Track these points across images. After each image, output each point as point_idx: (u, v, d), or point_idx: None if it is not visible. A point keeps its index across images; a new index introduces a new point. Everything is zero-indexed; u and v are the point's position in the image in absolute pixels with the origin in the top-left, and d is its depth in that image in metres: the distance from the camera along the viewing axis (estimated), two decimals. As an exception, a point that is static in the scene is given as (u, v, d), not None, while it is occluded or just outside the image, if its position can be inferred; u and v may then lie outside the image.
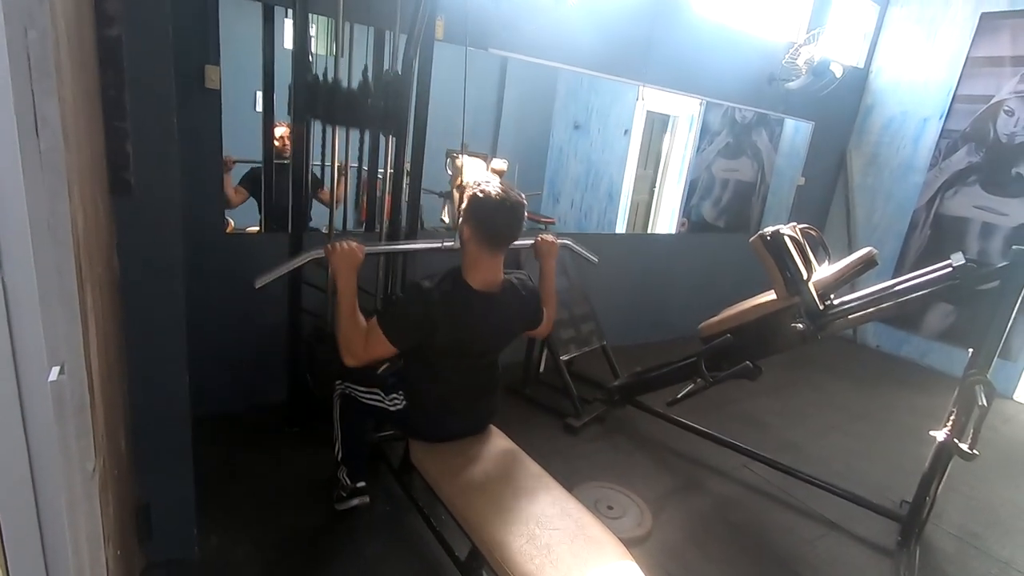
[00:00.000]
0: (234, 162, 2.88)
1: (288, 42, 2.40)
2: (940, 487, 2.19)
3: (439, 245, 1.92)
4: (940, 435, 2.08)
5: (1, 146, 0.61)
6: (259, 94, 2.70)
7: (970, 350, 2.05)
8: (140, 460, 1.54)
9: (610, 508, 2.25)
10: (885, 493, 2.55)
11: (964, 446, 1.97)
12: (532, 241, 1.96)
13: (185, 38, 2.11)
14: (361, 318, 1.62)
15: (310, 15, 2.20)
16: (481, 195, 1.54)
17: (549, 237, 1.96)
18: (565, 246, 2.14)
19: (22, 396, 0.75)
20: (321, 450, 2.36)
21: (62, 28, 0.77)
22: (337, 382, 1.93)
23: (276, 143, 2.78)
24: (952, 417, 2.05)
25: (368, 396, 1.84)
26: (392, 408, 1.80)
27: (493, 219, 1.55)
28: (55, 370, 0.74)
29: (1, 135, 0.61)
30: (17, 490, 0.76)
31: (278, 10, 2.41)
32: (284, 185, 2.42)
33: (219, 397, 2.54)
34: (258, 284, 1.68)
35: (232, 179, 2.96)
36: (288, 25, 2.46)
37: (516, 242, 1.64)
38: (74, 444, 0.79)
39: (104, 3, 1.22)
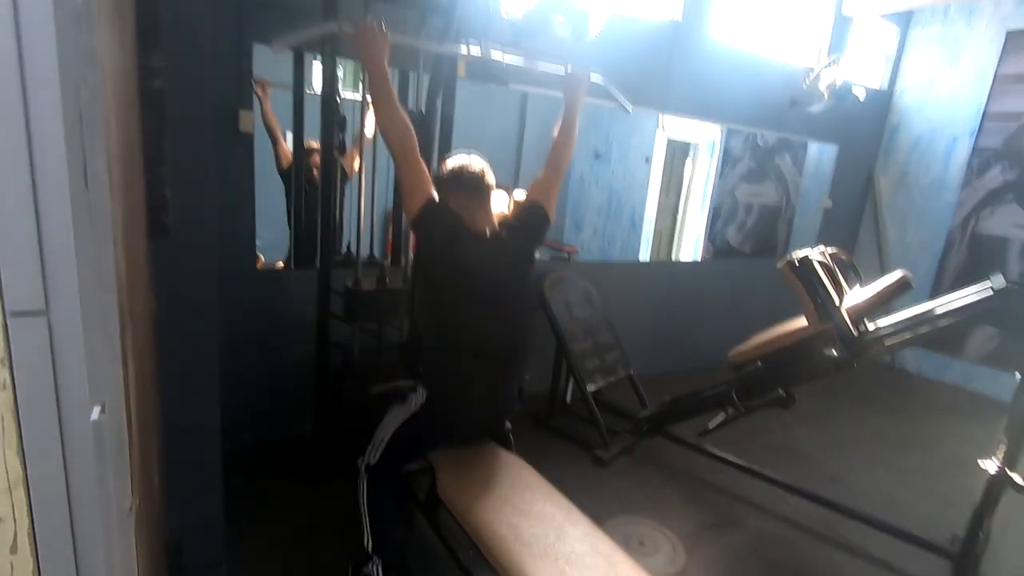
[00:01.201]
0: (269, 85, 2.81)
1: (317, 83, 2.49)
2: (993, 522, 2.07)
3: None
4: (991, 466, 1.98)
5: (54, 199, 0.65)
6: (289, 134, 2.82)
7: (1017, 375, 1.96)
8: (172, 496, 1.57)
9: (641, 544, 2.18)
10: (934, 528, 2.42)
11: (1017, 478, 1.87)
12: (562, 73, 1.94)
13: (220, 84, 2.22)
14: (405, 116, 1.62)
15: (338, 59, 2.29)
16: (447, 168, 1.71)
17: (580, 72, 1.89)
18: (601, 84, 2.06)
19: (63, 435, 0.77)
20: (349, 484, 2.36)
21: (110, 86, 0.82)
22: (358, 461, 1.78)
23: (313, 169, 2.83)
24: (1003, 447, 1.95)
25: (389, 424, 1.76)
26: (414, 408, 1.72)
27: (464, 174, 1.67)
28: (96, 409, 0.76)
29: (54, 189, 0.65)
30: (56, 528, 0.78)
31: (307, 55, 2.52)
32: (313, 212, 2.47)
33: (248, 430, 2.57)
34: (274, 47, 1.66)
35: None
36: (317, 68, 2.57)
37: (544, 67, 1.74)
38: (112, 483, 0.80)
39: (149, 59, 1.29)
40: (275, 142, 2.90)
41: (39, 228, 0.67)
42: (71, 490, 0.79)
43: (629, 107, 2.14)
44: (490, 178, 1.70)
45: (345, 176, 2.99)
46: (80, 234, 0.67)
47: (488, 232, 1.69)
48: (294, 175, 2.82)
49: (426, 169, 1.65)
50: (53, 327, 0.72)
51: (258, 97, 2.43)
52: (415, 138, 1.63)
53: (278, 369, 2.64)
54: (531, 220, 1.81)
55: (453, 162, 1.71)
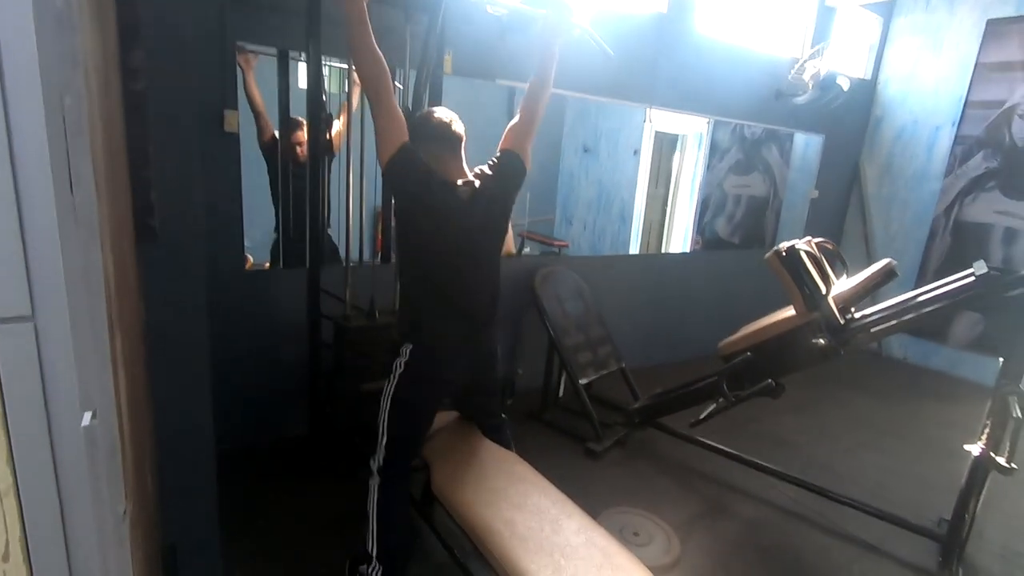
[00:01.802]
0: (256, 56, 2.69)
1: (303, 82, 2.48)
2: (979, 504, 2.11)
3: None
4: (975, 449, 2.02)
5: (39, 204, 0.65)
6: (276, 133, 2.79)
7: (1001, 359, 2.00)
8: (166, 500, 1.56)
9: (636, 535, 2.20)
10: (922, 511, 2.46)
11: (1001, 460, 1.91)
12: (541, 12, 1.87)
13: (205, 84, 2.19)
14: (381, 56, 1.61)
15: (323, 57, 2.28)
16: (416, 118, 1.73)
17: (556, 15, 1.83)
18: (582, 29, 1.98)
19: (53, 442, 0.77)
20: (344, 483, 2.36)
21: (94, 88, 0.82)
22: (370, 463, 1.75)
23: (296, 147, 2.79)
24: (987, 430, 1.99)
25: (383, 406, 1.74)
26: (400, 370, 1.70)
27: (431, 123, 1.68)
28: (87, 415, 0.76)
29: (39, 193, 0.64)
30: (49, 536, 0.78)
31: (292, 52, 2.50)
32: (301, 195, 2.42)
33: (241, 432, 2.57)
34: None
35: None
36: (303, 67, 2.55)
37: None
38: (105, 488, 0.80)
39: (130, 58, 1.28)
40: (257, 115, 2.78)
41: (23, 232, 0.67)
42: (63, 497, 0.79)
43: (611, 51, 2.14)
44: (458, 127, 1.69)
45: (332, 152, 2.92)
46: (66, 238, 0.66)
47: (461, 181, 1.68)
48: (280, 165, 2.78)
49: (400, 115, 1.63)
50: (40, 332, 0.72)
51: (240, 68, 2.38)
52: (390, 79, 1.62)
53: (270, 370, 2.63)
54: (506, 168, 1.76)
55: (421, 114, 1.74)
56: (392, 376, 1.72)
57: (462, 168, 1.72)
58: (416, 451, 1.87)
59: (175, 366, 1.46)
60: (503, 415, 2.01)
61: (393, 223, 2.37)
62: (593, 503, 2.26)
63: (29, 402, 0.74)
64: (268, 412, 2.67)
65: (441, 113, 1.71)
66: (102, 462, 0.79)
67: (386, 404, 1.73)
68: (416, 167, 1.63)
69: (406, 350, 1.71)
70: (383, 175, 1.64)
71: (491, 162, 1.78)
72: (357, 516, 2.01)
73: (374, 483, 1.75)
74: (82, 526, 0.79)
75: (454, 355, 1.75)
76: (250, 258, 2.96)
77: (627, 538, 2.17)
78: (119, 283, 0.99)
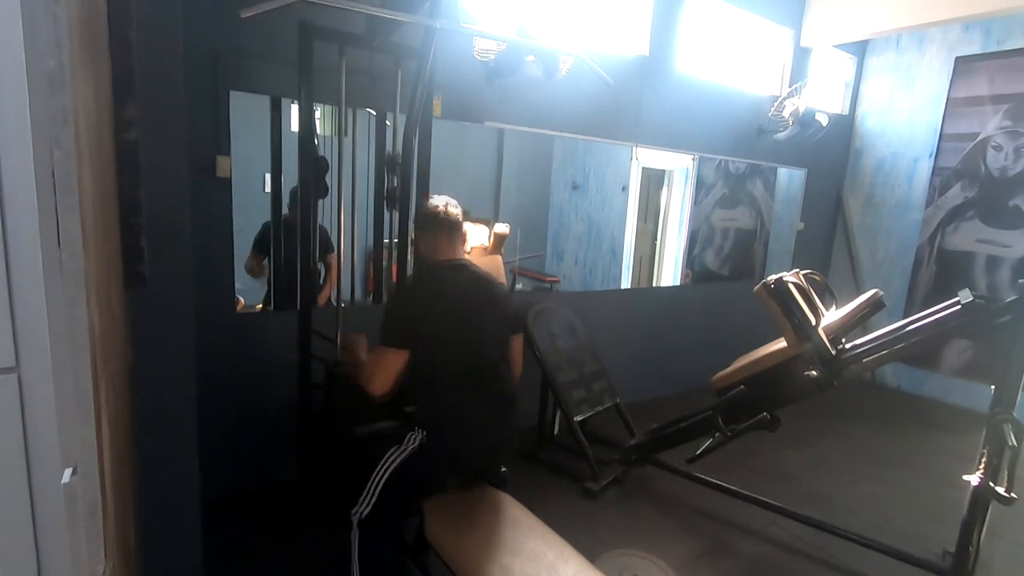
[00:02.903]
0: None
1: (295, 126, 2.52)
2: (983, 535, 2.08)
3: None
4: (974, 479, 2.00)
5: (25, 258, 0.65)
6: (267, 176, 2.82)
7: (993, 387, 2.00)
8: (150, 554, 1.51)
9: (637, 577, 2.14)
10: (925, 544, 2.42)
11: (1000, 490, 1.89)
12: None
13: (197, 131, 2.23)
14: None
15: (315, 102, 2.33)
16: (421, 212, 1.91)
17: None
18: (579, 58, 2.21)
19: (34, 498, 0.75)
20: (335, 530, 2.29)
21: (84, 141, 0.83)
22: (351, 514, 1.72)
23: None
24: (984, 459, 1.97)
25: (383, 470, 1.70)
26: (412, 447, 1.69)
27: (436, 215, 1.83)
28: (68, 472, 0.74)
29: (26, 248, 0.65)
30: (25, 599, 0.75)
31: (285, 98, 2.55)
32: (293, 253, 2.45)
33: (229, 479, 2.50)
34: (244, 14, 1.67)
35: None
36: (295, 112, 2.60)
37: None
38: (84, 548, 0.78)
39: (123, 110, 1.30)
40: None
41: (9, 286, 0.67)
42: (41, 556, 0.76)
43: (609, 78, 2.24)
44: (452, 211, 1.83)
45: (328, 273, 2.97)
46: (51, 293, 0.66)
47: (460, 260, 1.80)
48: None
49: (380, 350, 1.71)
50: (24, 385, 0.71)
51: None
52: (374, 360, 1.73)
53: (259, 414, 2.58)
54: (508, 302, 1.87)
55: (426, 205, 1.90)
56: (402, 449, 1.70)
57: (457, 248, 1.84)
58: (405, 514, 1.84)
59: (162, 414, 1.44)
60: (503, 467, 1.98)
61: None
62: (592, 545, 2.20)
63: (10, 456, 0.73)
64: (257, 457, 2.61)
65: (436, 200, 1.86)
66: (82, 520, 0.76)
67: (388, 471, 1.70)
68: (410, 312, 1.70)
69: (421, 433, 1.70)
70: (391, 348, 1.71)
71: (501, 287, 1.89)
72: (349, 566, 1.95)
73: (355, 537, 1.70)
74: (59, 588, 0.76)
75: (472, 440, 1.74)
76: (241, 300, 2.95)
77: (627, 581, 2.11)
78: (105, 334, 0.98)
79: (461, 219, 1.86)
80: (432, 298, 1.71)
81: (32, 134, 0.62)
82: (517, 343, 1.93)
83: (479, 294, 1.77)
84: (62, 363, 0.70)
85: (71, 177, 0.67)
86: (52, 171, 0.65)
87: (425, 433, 1.70)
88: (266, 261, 2.88)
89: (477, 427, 1.72)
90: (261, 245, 2.92)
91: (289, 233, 2.66)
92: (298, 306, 2.38)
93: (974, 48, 4.18)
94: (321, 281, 2.93)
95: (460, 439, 1.71)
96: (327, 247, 2.85)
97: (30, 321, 0.68)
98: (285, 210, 2.74)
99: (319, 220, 2.55)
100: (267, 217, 2.78)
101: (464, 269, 1.80)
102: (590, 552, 1.68)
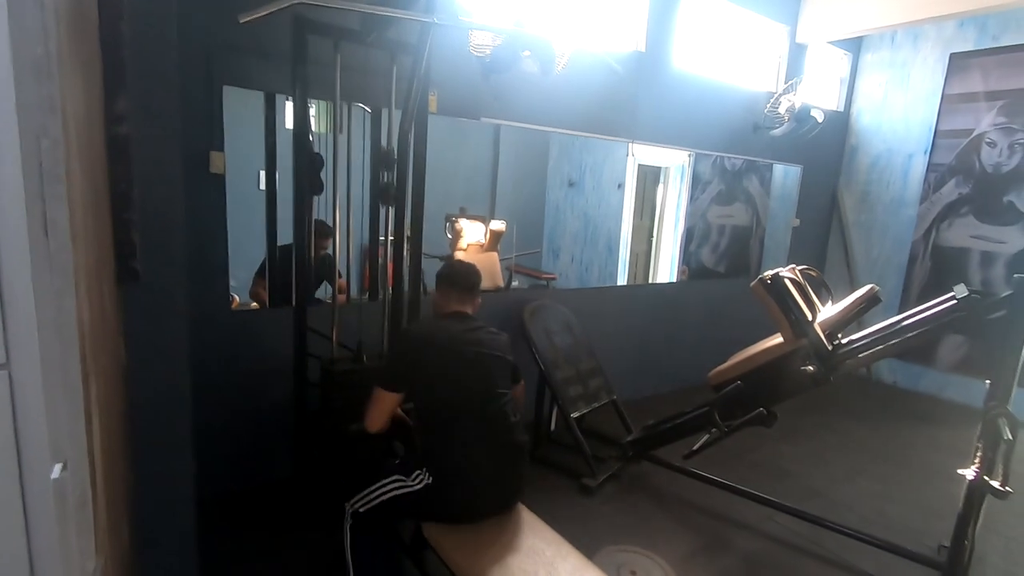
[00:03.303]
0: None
1: (289, 122, 2.51)
2: (978, 529, 2.09)
3: None
4: (969, 473, 2.00)
5: (12, 249, 0.64)
6: (262, 173, 2.81)
7: (987, 382, 2.01)
8: (143, 552, 1.49)
9: (633, 573, 2.14)
10: (921, 538, 2.43)
11: (996, 484, 1.90)
12: None
13: (191, 126, 2.21)
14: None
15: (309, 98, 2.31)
16: (446, 266, 1.98)
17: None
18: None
19: (24, 494, 0.74)
20: (330, 528, 2.28)
21: (73, 133, 0.82)
22: (346, 505, 1.76)
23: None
24: (979, 453, 1.98)
25: (387, 490, 1.71)
26: (417, 486, 1.68)
27: (453, 271, 1.93)
28: (57, 467, 0.73)
29: (12, 239, 0.63)
30: (16, 596, 0.74)
31: (279, 94, 2.53)
32: (291, 263, 2.44)
33: (223, 476, 2.49)
34: (242, 19, 1.70)
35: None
36: (289, 108, 2.58)
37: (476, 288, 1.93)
38: (74, 543, 0.76)
39: (114, 103, 1.29)
40: None
41: (-2, 280, 0.65)
42: (32, 553, 0.75)
43: (619, 68, 2.24)
44: (472, 277, 1.92)
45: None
46: (40, 285, 0.65)
47: (467, 313, 1.88)
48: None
49: (377, 391, 1.76)
50: (14, 380, 0.70)
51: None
52: (372, 401, 1.77)
53: (254, 412, 2.57)
54: (509, 352, 1.88)
55: (450, 263, 2.01)
56: (406, 483, 1.70)
57: (466, 305, 1.90)
58: (400, 524, 1.88)
59: (155, 411, 1.43)
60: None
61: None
62: (589, 542, 2.20)
63: (1, 453, 0.71)
64: (251, 455, 2.60)
65: (466, 266, 1.95)
66: (72, 516, 0.75)
67: (388, 493, 1.70)
68: (410, 359, 1.75)
69: (427, 476, 1.69)
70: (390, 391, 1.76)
71: (502, 337, 1.90)
72: (343, 562, 1.94)
73: (347, 526, 1.73)
74: (50, 585, 0.75)
75: (478, 494, 1.72)
76: (236, 297, 2.93)
77: (624, 577, 2.11)
78: (95, 328, 0.97)
79: (479, 286, 1.94)
80: (433, 344, 1.75)
81: (18, 122, 0.61)
82: (517, 392, 1.97)
83: (480, 343, 1.79)
84: (51, 356, 0.69)
85: (59, 167, 0.65)
86: (40, 161, 0.64)
87: (432, 478, 1.68)
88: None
89: (485, 480, 1.70)
90: (264, 272, 2.86)
91: (285, 261, 2.64)
92: (293, 304, 2.37)
93: (969, 44, 4.19)
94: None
95: (466, 491, 1.69)
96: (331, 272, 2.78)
97: (19, 315, 0.67)
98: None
99: (316, 216, 2.53)
100: (262, 215, 2.76)
101: (468, 320, 1.87)
102: (587, 548, 1.68)
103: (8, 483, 0.72)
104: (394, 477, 1.71)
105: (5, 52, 0.58)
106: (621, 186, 4.61)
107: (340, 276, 2.71)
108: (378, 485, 1.71)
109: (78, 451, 0.77)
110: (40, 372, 0.69)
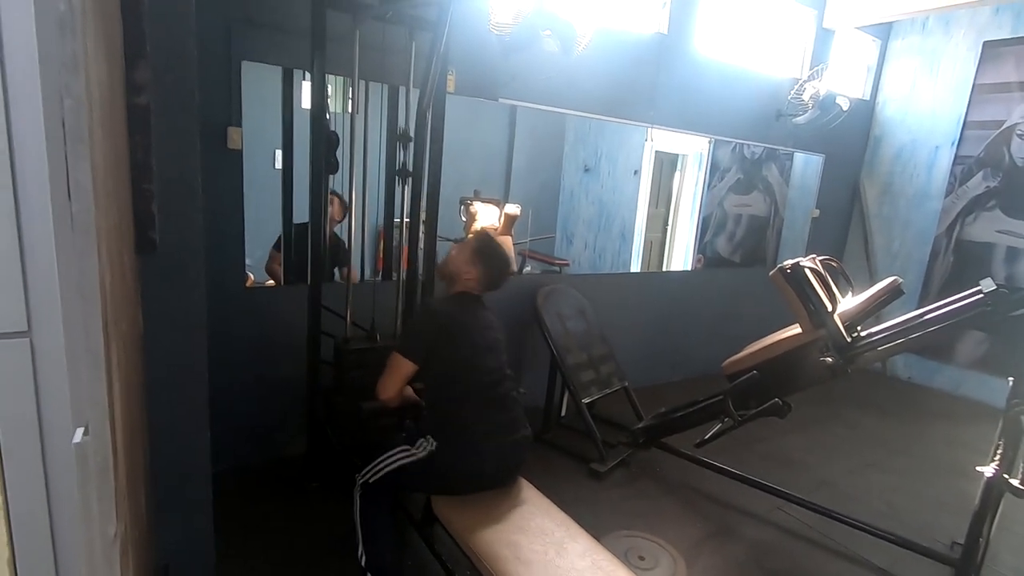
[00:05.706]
0: None
1: (306, 102, 2.49)
2: (993, 527, 2.06)
3: None
4: (988, 471, 1.97)
5: (36, 209, 0.63)
6: (279, 152, 2.80)
7: (1010, 379, 1.96)
8: (160, 519, 1.52)
9: (641, 559, 2.15)
10: (933, 534, 2.41)
11: (1015, 482, 1.87)
12: None
13: (209, 101, 2.20)
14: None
15: (327, 75, 2.29)
16: (488, 243, 1.90)
17: None
18: None
19: (46, 458, 0.74)
20: (342, 503, 2.31)
21: (95, 97, 0.81)
22: (356, 476, 1.82)
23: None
24: (999, 451, 1.95)
25: (393, 459, 1.75)
26: (422, 454, 1.72)
27: (499, 259, 1.89)
28: (79, 431, 0.73)
29: (36, 198, 0.63)
30: (38, 558, 0.74)
31: (297, 72, 2.51)
32: (306, 242, 2.45)
33: (238, 450, 2.52)
34: None
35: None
36: (307, 86, 2.56)
37: None
38: (95, 508, 0.77)
39: (134, 73, 1.28)
40: None
41: (21, 242, 0.65)
42: (53, 517, 0.76)
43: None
44: (502, 271, 1.90)
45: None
46: (62, 246, 0.64)
47: (481, 296, 1.90)
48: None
49: (396, 358, 1.77)
50: (36, 348, 0.70)
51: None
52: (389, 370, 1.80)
53: (269, 388, 2.59)
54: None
55: (505, 254, 1.95)
56: (412, 452, 1.74)
57: (478, 291, 1.89)
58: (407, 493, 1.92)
59: (172, 380, 1.44)
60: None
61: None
62: (597, 525, 2.20)
63: (22, 419, 0.72)
64: (266, 430, 2.63)
65: (501, 253, 1.91)
66: (93, 481, 0.76)
67: (395, 463, 1.75)
68: (431, 331, 1.78)
69: (432, 443, 1.74)
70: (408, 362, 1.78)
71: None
72: (354, 536, 1.97)
73: (357, 496, 1.79)
74: (72, 548, 0.76)
75: (483, 462, 1.75)
76: (251, 275, 2.95)
77: (633, 562, 2.12)
78: (116, 294, 0.97)
79: (508, 278, 1.94)
80: (456, 325, 1.78)
81: (41, 81, 0.60)
82: None
83: (492, 327, 1.87)
84: (74, 321, 0.68)
85: (82, 127, 0.65)
86: (62, 120, 0.63)
87: (435, 444, 1.73)
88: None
89: (489, 449, 1.74)
90: (280, 246, 2.88)
91: (301, 240, 2.66)
92: (308, 282, 2.37)
93: (1004, 32, 4.05)
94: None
95: (470, 457, 1.73)
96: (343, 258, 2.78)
97: (41, 277, 0.67)
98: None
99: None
100: (278, 193, 2.76)
101: (482, 301, 1.90)
102: (595, 532, 1.68)
103: (30, 447, 0.72)
104: (400, 447, 1.77)
105: (28, 6, 0.57)
106: (637, 173, 4.56)
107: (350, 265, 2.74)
108: (384, 456, 1.77)
109: (99, 416, 0.77)
110: (63, 334, 0.68)
